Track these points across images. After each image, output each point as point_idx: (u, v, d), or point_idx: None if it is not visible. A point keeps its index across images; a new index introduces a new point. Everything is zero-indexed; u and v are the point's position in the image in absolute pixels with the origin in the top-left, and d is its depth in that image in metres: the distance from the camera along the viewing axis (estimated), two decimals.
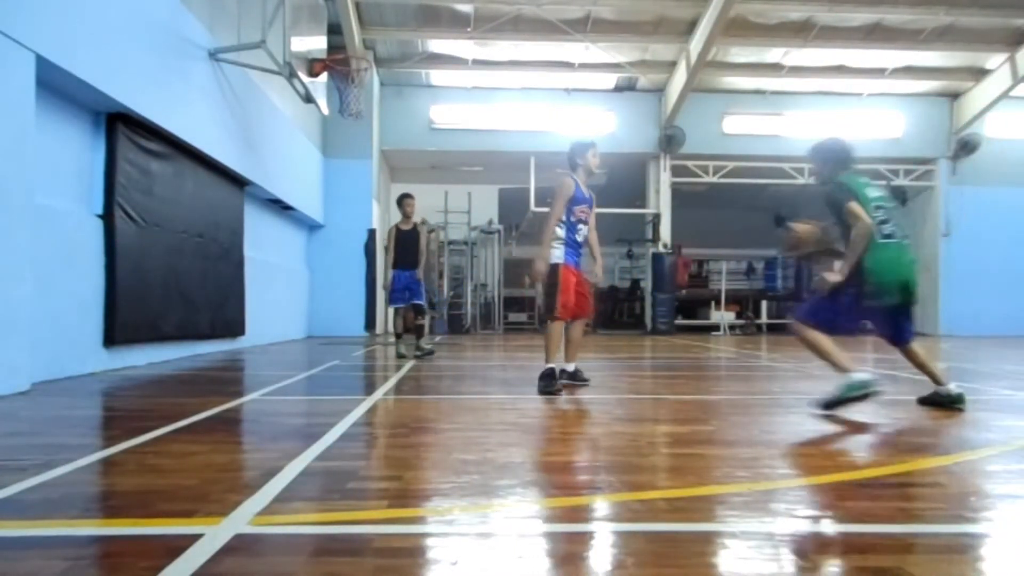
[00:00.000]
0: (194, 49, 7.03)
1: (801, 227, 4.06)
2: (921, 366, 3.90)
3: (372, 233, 13.25)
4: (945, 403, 3.81)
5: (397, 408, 3.99)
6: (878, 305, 3.65)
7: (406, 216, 7.55)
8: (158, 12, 6.28)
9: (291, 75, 7.70)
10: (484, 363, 7.26)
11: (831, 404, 3.56)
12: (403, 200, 7.62)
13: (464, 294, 17.13)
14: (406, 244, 7.45)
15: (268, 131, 9.49)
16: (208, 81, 7.32)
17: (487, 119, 15.04)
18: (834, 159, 4.00)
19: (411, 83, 14.88)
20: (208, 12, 7.49)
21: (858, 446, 2.91)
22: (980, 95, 14.84)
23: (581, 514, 1.93)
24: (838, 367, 3.60)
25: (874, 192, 3.88)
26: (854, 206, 3.63)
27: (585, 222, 4.77)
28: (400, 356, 7.37)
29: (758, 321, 16.98)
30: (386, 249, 7.72)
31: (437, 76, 14.79)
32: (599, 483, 2.25)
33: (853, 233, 3.62)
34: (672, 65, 14.21)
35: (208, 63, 7.33)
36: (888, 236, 3.73)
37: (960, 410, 3.73)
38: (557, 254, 4.67)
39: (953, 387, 3.83)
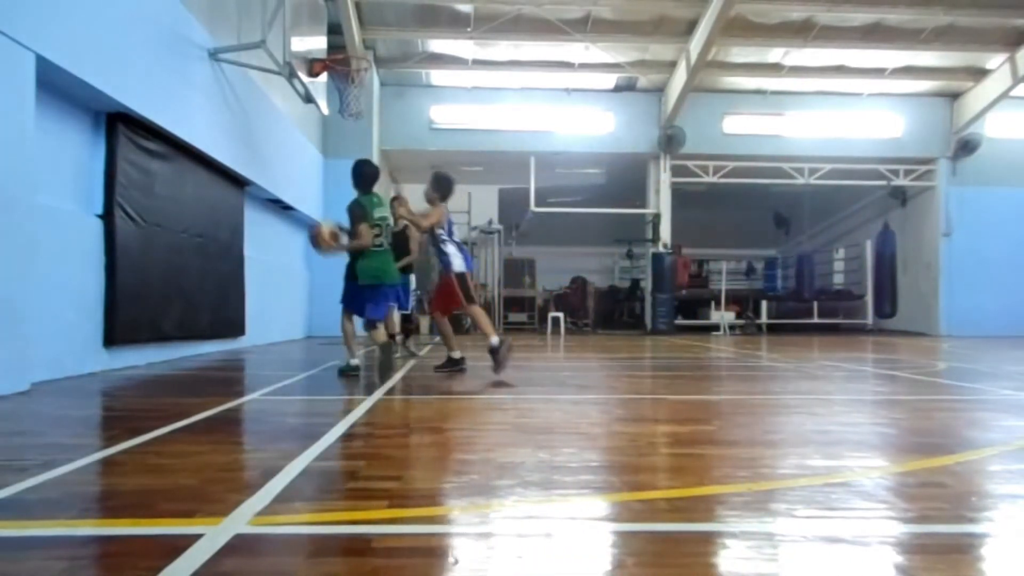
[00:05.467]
0: (194, 49, 7.02)
1: (325, 227, 5.51)
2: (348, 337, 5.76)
3: None
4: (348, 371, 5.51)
5: (397, 408, 3.99)
6: (370, 288, 5.61)
7: (395, 219, 7.63)
8: (158, 12, 6.27)
9: (291, 75, 7.69)
10: (484, 363, 7.26)
11: (341, 373, 5.55)
12: (391, 202, 7.70)
13: None
14: (395, 247, 7.50)
15: (268, 131, 9.49)
16: (208, 81, 7.32)
17: (487, 119, 15.04)
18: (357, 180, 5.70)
19: (411, 83, 14.88)
20: (208, 12, 7.49)
21: (859, 446, 2.91)
22: (980, 95, 14.83)
23: (581, 514, 1.93)
24: (349, 349, 5.64)
25: (379, 212, 5.61)
26: (362, 227, 5.46)
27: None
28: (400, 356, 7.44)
29: (758, 321, 16.98)
30: None
31: (437, 76, 14.79)
32: (599, 483, 2.25)
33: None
34: (672, 65, 14.21)
35: (208, 63, 7.33)
36: (379, 246, 5.59)
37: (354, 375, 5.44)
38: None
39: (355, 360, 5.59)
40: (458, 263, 5.78)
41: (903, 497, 2.08)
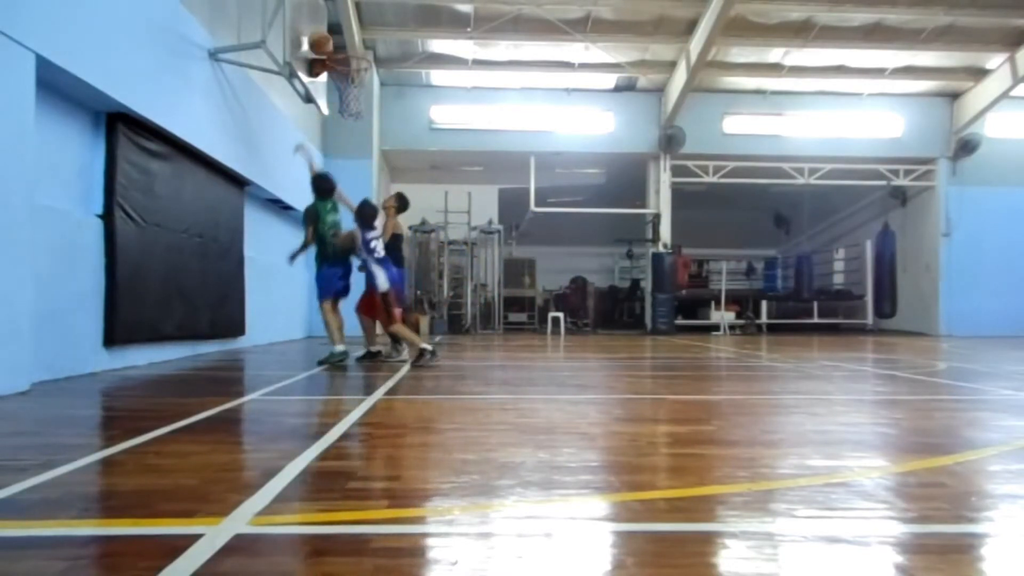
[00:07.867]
0: (194, 49, 7.02)
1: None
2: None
3: None
4: (332, 361, 6.21)
5: (397, 408, 3.99)
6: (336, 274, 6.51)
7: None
8: (158, 12, 6.27)
9: (291, 75, 7.69)
10: (484, 363, 7.26)
11: (322, 362, 6.28)
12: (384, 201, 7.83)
13: (464, 294, 17.11)
14: (389, 248, 7.52)
15: (268, 131, 9.49)
16: (208, 81, 7.32)
17: (487, 119, 15.04)
18: (315, 190, 6.60)
19: (411, 83, 14.88)
20: (208, 12, 7.49)
21: (859, 446, 2.91)
22: (980, 95, 14.83)
23: (581, 514, 1.93)
24: (332, 339, 6.33)
25: (331, 217, 6.54)
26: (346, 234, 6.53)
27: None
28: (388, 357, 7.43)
29: (758, 321, 16.98)
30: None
31: (437, 76, 14.79)
32: (599, 483, 2.25)
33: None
34: (672, 65, 14.21)
35: (208, 63, 7.32)
36: (335, 236, 6.47)
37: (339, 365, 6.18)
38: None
39: (338, 349, 6.24)
40: (381, 282, 6.30)
41: (903, 497, 2.08)
